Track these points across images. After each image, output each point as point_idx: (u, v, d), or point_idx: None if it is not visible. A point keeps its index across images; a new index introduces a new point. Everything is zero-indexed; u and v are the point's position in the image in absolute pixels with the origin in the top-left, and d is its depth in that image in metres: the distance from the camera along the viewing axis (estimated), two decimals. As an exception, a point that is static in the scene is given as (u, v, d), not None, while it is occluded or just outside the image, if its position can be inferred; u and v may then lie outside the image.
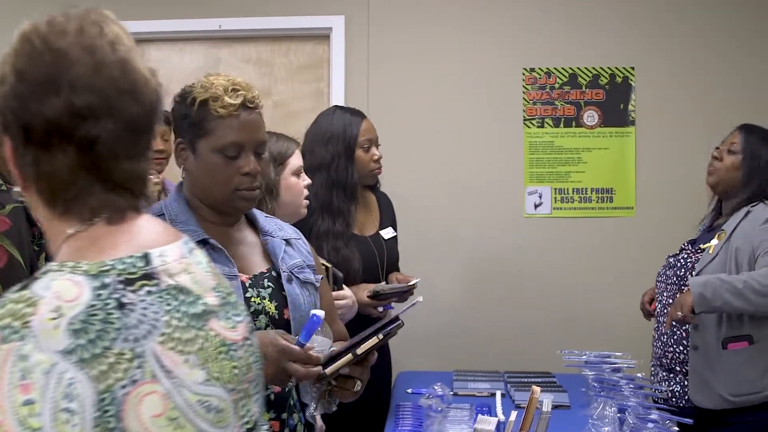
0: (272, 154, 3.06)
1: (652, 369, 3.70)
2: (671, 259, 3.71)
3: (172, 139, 4.03)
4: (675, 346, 3.56)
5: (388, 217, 4.04)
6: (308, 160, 3.54)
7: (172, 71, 5.36)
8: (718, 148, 3.71)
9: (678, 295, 3.50)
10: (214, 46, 5.39)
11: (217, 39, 5.37)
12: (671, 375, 3.57)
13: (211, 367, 1.28)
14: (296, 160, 3.20)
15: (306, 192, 3.27)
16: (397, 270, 4.01)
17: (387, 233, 3.95)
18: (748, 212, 3.47)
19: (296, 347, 2.01)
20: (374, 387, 2.86)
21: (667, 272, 3.69)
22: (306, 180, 3.28)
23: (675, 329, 3.57)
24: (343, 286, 3.40)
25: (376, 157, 3.84)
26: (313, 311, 2.07)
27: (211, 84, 2.21)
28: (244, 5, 5.24)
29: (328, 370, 2.04)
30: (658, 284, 3.76)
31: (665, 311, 3.61)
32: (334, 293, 3.15)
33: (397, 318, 2.14)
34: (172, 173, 4.27)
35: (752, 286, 3.22)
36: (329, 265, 3.28)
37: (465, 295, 5.06)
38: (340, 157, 3.63)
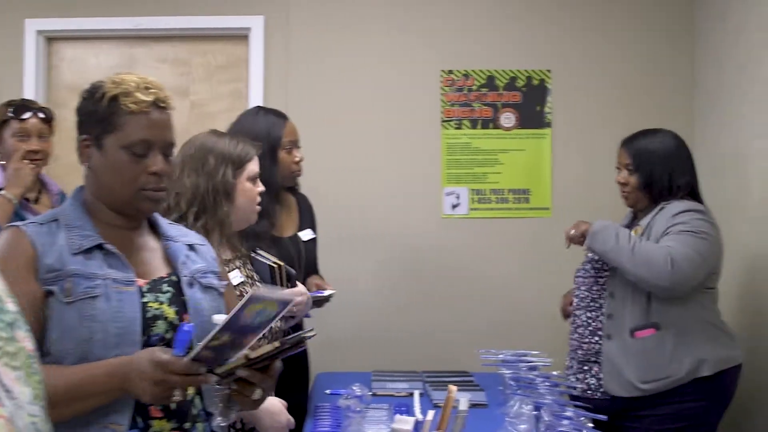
0: (231, 157, 3.01)
1: (568, 362, 3.76)
2: (590, 255, 3.77)
3: (51, 139, 3.96)
4: (590, 338, 3.62)
5: (308, 219, 4.04)
6: None
7: (86, 71, 5.29)
8: (618, 168, 3.77)
9: (594, 287, 3.62)
10: (130, 46, 5.31)
11: (133, 38, 5.29)
12: (585, 368, 3.63)
13: (33, 384, 1.14)
14: (254, 166, 3.11)
15: (259, 198, 3.17)
16: (316, 272, 4.01)
17: (305, 235, 3.96)
18: (662, 208, 3.55)
19: (173, 358, 1.92)
20: (292, 388, 2.86)
21: (586, 266, 3.76)
22: (260, 187, 3.18)
23: (590, 321, 3.64)
24: (297, 283, 3.44)
25: (297, 159, 3.83)
26: (186, 324, 2.01)
27: (122, 80, 2.17)
28: (161, 4, 5.19)
29: (219, 369, 1.96)
30: (577, 279, 3.81)
31: (582, 305, 3.70)
32: (289, 290, 3.23)
33: (310, 329, 2.06)
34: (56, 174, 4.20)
35: (635, 247, 3.41)
36: (281, 264, 3.29)
37: (383, 295, 5.07)
38: (264, 158, 3.53)
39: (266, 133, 3.71)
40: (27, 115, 3.82)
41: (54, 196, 3.99)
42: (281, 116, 3.85)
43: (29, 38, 5.17)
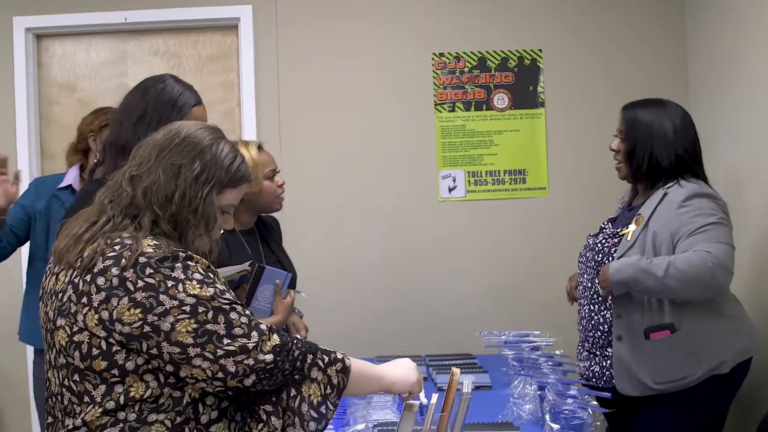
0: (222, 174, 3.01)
1: (579, 349, 3.69)
2: (590, 240, 3.67)
3: None
4: (593, 332, 3.53)
5: None
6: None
7: (76, 67, 5.27)
8: (615, 134, 3.67)
9: (596, 278, 3.52)
10: (121, 40, 5.29)
11: (123, 32, 5.27)
12: (591, 355, 3.58)
13: None
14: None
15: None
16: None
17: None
18: (665, 194, 3.40)
19: None
20: None
21: (587, 254, 3.64)
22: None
23: (593, 314, 3.55)
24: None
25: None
26: None
27: None
28: (149, -3, 5.18)
29: None
30: (580, 265, 3.72)
31: (586, 293, 3.61)
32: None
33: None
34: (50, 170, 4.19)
35: (673, 274, 3.19)
36: (249, 268, 3.27)
37: (383, 280, 5.07)
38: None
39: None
40: None
41: None
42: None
43: (18, 36, 5.14)
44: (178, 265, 2.05)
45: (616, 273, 3.30)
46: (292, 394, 2.09)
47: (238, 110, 5.18)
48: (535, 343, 3.49)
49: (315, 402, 2.09)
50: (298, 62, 5.15)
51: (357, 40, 5.17)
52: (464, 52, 5.15)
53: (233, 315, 2.05)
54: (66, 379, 2.08)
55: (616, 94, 4.57)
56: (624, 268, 3.29)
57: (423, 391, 2.36)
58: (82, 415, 2.05)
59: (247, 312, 2.08)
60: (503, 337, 3.65)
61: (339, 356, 2.16)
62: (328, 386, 2.11)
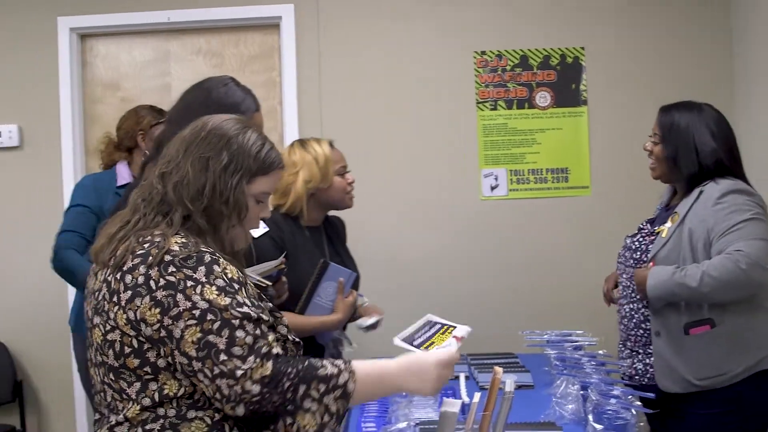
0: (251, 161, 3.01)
1: (620, 347, 3.66)
2: (628, 240, 3.65)
3: None
4: (635, 330, 3.50)
5: None
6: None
7: (119, 66, 5.32)
8: (650, 136, 3.67)
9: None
10: (163, 39, 5.33)
11: (166, 32, 5.31)
12: (633, 353, 3.54)
13: None
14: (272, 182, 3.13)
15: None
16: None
17: (257, 230, 3.64)
18: (700, 192, 3.38)
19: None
20: None
21: (626, 254, 3.62)
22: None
23: (634, 313, 3.51)
24: None
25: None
26: None
27: None
28: (191, -4, 5.21)
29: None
30: (619, 265, 3.69)
31: (626, 292, 3.58)
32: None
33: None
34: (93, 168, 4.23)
35: (708, 282, 3.18)
36: (268, 284, 3.03)
37: (425, 278, 5.06)
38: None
39: None
40: None
41: None
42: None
43: (62, 36, 5.20)
44: (202, 267, 2.05)
45: (652, 290, 3.31)
46: (288, 422, 2.05)
47: (280, 109, 5.19)
48: (577, 343, 3.47)
49: (311, 430, 2.04)
50: (340, 61, 5.16)
51: (399, 38, 5.17)
52: (506, 51, 5.13)
53: (239, 333, 2.01)
54: (105, 377, 2.11)
55: (660, 91, 4.53)
56: (659, 285, 3.29)
57: (465, 390, 2.37)
58: (124, 411, 2.07)
59: (258, 332, 2.04)
60: (545, 336, 3.63)
61: (341, 381, 2.06)
62: (326, 414, 2.05)
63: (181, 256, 2.05)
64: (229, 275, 2.07)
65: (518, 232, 5.09)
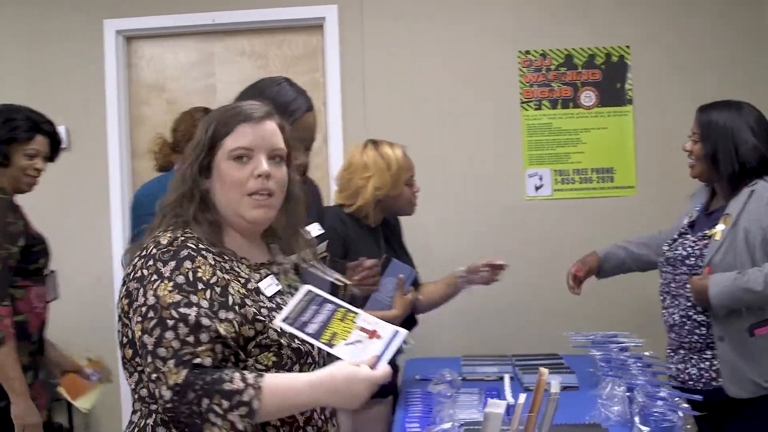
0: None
1: (668, 352, 3.59)
2: (668, 250, 3.59)
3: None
4: (689, 336, 3.43)
5: (313, 213, 3.35)
6: None
7: (165, 68, 5.36)
8: (689, 135, 3.63)
9: (672, 283, 3.47)
10: (208, 41, 5.36)
11: (211, 33, 5.34)
12: (687, 358, 3.46)
13: None
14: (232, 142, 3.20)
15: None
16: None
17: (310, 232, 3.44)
18: (752, 192, 3.34)
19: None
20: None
21: (671, 262, 3.54)
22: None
23: (685, 320, 3.43)
24: None
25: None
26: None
27: None
28: (235, -2, 5.23)
29: None
30: (664, 275, 3.59)
31: (675, 302, 3.49)
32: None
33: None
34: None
35: None
36: (347, 283, 2.91)
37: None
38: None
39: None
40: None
41: None
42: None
43: (108, 38, 5.26)
44: (173, 262, 2.06)
45: (716, 298, 3.25)
46: None
47: (323, 109, 5.20)
48: (623, 344, 3.44)
49: None
50: (383, 61, 5.16)
51: (442, 38, 5.16)
52: (550, 50, 5.11)
53: (168, 334, 1.97)
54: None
55: (707, 90, 4.48)
56: (723, 292, 3.23)
57: (509, 391, 2.34)
58: (134, 402, 2.16)
59: (190, 337, 1.98)
60: (591, 337, 3.60)
61: (245, 398, 1.94)
62: (232, 431, 1.94)
63: (163, 250, 2.08)
64: (199, 274, 2.05)
65: (563, 233, 5.06)
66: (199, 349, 1.97)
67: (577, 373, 3.64)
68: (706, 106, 3.58)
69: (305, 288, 2.09)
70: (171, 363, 1.95)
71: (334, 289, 2.26)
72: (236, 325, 2.04)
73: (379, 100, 5.14)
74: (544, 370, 2.30)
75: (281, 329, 2.06)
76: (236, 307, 2.06)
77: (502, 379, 3.66)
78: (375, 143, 3.85)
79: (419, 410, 3.28)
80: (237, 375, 1.96)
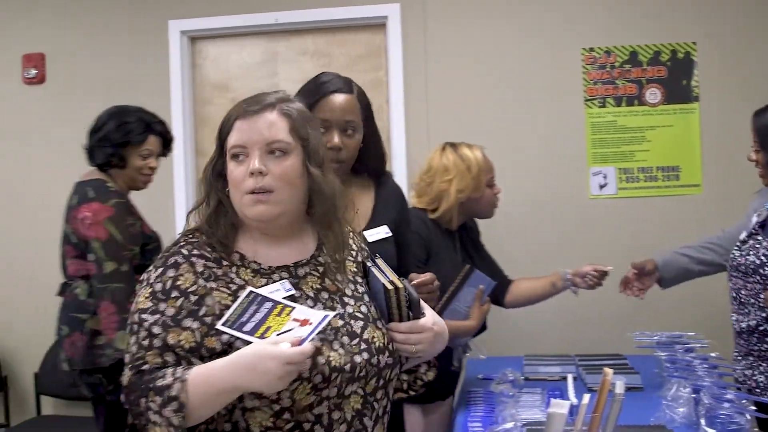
0: None
1: (736, 356, 3.49)
2: (738, 255, 3.42)
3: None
4: (758, 344, 3.31)
5: (385, 215, 3.06)
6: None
7: (229, 68, 5.41)
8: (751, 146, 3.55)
9: (743, 291, 3.35)
10: (272, 40, 5.40)
11: (274, 32, 5.38)
12: (755, 365, 3.34)
13: None
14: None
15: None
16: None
17: (374, 234, 2.99)
18: None
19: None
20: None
21: (740, 268, 3.39)
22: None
23: (755, 329, 3.30)
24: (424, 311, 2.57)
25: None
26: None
27: None
28: (298, -3, 5.27)
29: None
30: (734, 280, 3.44)
31: (745, 310, 3.36)
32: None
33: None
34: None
35: None
36: (400, 286, 2.28)
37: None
38: None
39: None
40: None
41: None
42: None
43: (173, 39, 5.32)
44: (160, 269, 2.11)
45: None
46: None
47: (386, 108, 5.21)
48: (689, 345, 3.39)
49: None
50: (447, 59, 5.16)
51: (506, 36, 5.14)
52: (615, 47, 5.06)
53: (132, 339, 2.05)
54: None
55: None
56: None
57: (573, 391, 2.31)
58: None
59: (146, 342, 2.01)
60: (655, 338, 3.56)
61: (173, 392, 1.92)
62: (171, 427, 1.93)
63: (161, 254, 2.16)
64: (178, 283, 2.07)
65: (628, 232, 5.01)
66: (147, 353, 2.01)
67: (641, 374, 3.61)
68: (760, 111, 3.49)
69: (247, 290, 2.05)
70: (128, 366, 2.04)
71: (386, 291, 2.18)
72: (198, 335, 2.02)
73: (442, 98, 5.13)
74: (609, 371, 2.28)
75: (216, 327, 2.00)
76: (206, 318, 2.03)
77: (565, 379, 3.63)
78: (453, 145, 3.83)
79: (482, 409, 3.28)
80: (169, 371, 1.97)
